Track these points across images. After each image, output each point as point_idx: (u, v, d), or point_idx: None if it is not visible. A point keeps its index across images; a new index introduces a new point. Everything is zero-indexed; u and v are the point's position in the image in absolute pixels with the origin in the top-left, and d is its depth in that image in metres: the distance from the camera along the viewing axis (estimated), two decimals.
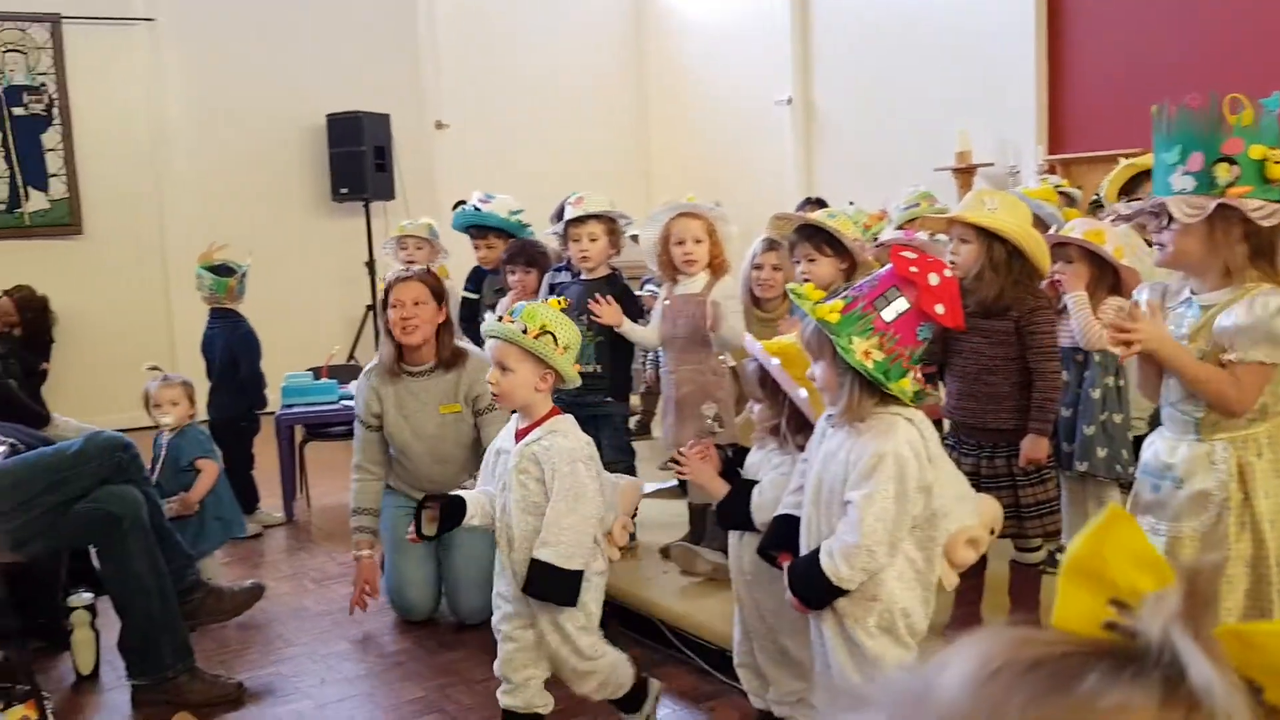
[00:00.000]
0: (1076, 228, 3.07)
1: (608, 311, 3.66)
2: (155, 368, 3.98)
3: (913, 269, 2.02)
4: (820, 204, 5.48)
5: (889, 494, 1.98)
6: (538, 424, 2.57)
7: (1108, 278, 2.99)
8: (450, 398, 3.57)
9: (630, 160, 9.05)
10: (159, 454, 3.82)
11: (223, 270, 4.75)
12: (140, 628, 3.05)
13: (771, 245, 3.55)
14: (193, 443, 3.88)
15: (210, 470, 3.84)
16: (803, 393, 2.22)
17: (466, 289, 4.61)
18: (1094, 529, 0.47)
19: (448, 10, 8.22)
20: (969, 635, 0.45)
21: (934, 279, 2.02)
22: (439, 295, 3.55)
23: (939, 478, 2.08)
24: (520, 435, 2.58)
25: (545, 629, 2.57)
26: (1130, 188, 3.71)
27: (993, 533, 2.28)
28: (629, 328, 3.71)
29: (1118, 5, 6.32)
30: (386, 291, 3.53)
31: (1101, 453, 3.18)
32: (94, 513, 3.03)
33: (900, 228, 3.93)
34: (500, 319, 2.50)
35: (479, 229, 4.53)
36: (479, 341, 4.41)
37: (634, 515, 2.89)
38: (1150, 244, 2.25)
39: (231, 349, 4.73)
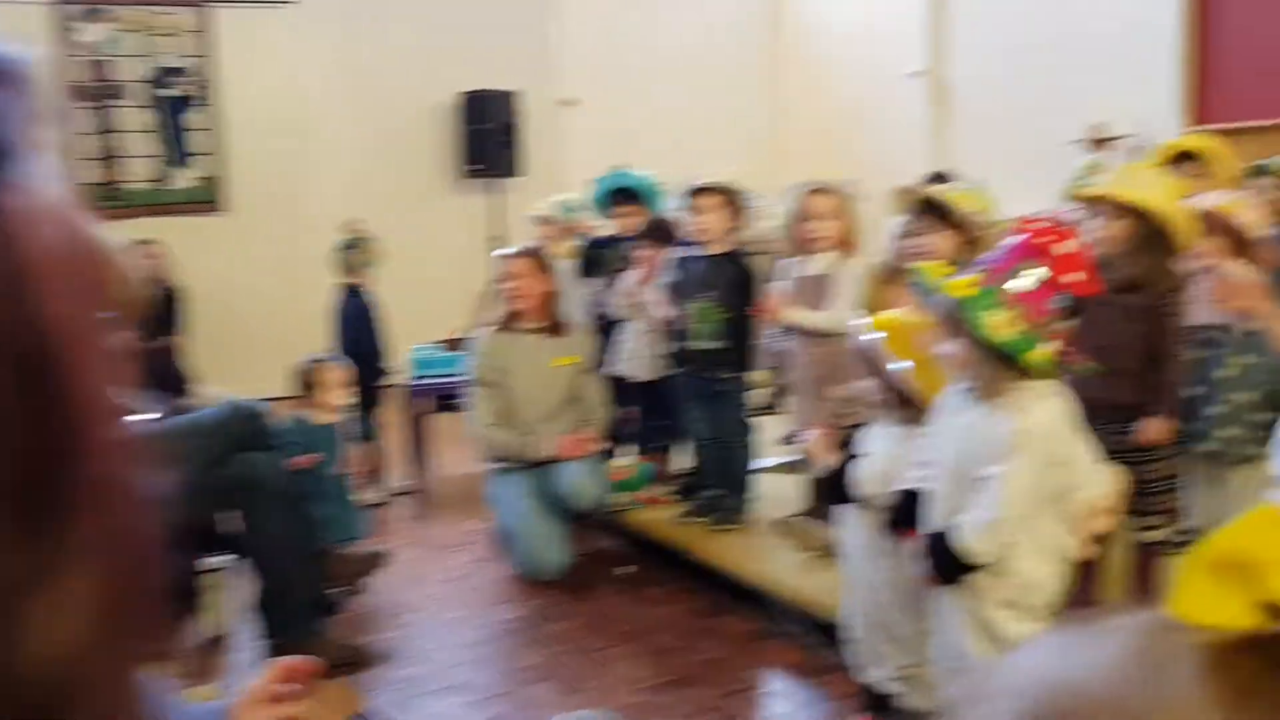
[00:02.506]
0: (1212, 199, 2.95)
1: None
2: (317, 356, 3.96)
3: (1042, 239, 1.96)
4: (946, 178, 5.34)
5: (1030, 469, 1.95)
6: None
7: (1243, 250, 2.88)
8: (563, 352, 4.05)
9: (762, 135, 8.97)
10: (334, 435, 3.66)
11: (351, 245, 4.92)
12: (276, 589, 3.17)
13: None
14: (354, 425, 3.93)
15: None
16: (903, 366, 2.20)
17: (596, 243, 4.65)
18: (1247, 525, 0.45)
19: None
20: (1097, 619, 0.44)
21: (1065, 248, 1.96)
22: (544, 269, 4.09)
23: (1077, 449, 2.03)
24: None
25: None
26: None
27: None
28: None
29: None
30: (499, 265, 4.17)
31: (1230, 432, 3.06)
32: (234, 478, 3.18)
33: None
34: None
35: (623, 194, 4.55)
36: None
37: None
38: None
39: (351, 321, 4.90)
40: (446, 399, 5.17)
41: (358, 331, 4.88)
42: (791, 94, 9.05)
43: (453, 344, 5.20)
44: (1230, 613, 0.42)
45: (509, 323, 4.08)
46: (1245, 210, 2.92)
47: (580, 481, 3.84)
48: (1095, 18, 6.62)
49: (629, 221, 4.51)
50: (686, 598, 3.58)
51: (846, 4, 8.49)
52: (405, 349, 5.18)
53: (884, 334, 2.28)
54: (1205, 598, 0.43)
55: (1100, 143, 6.13)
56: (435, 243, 7.71)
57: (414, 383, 5.01)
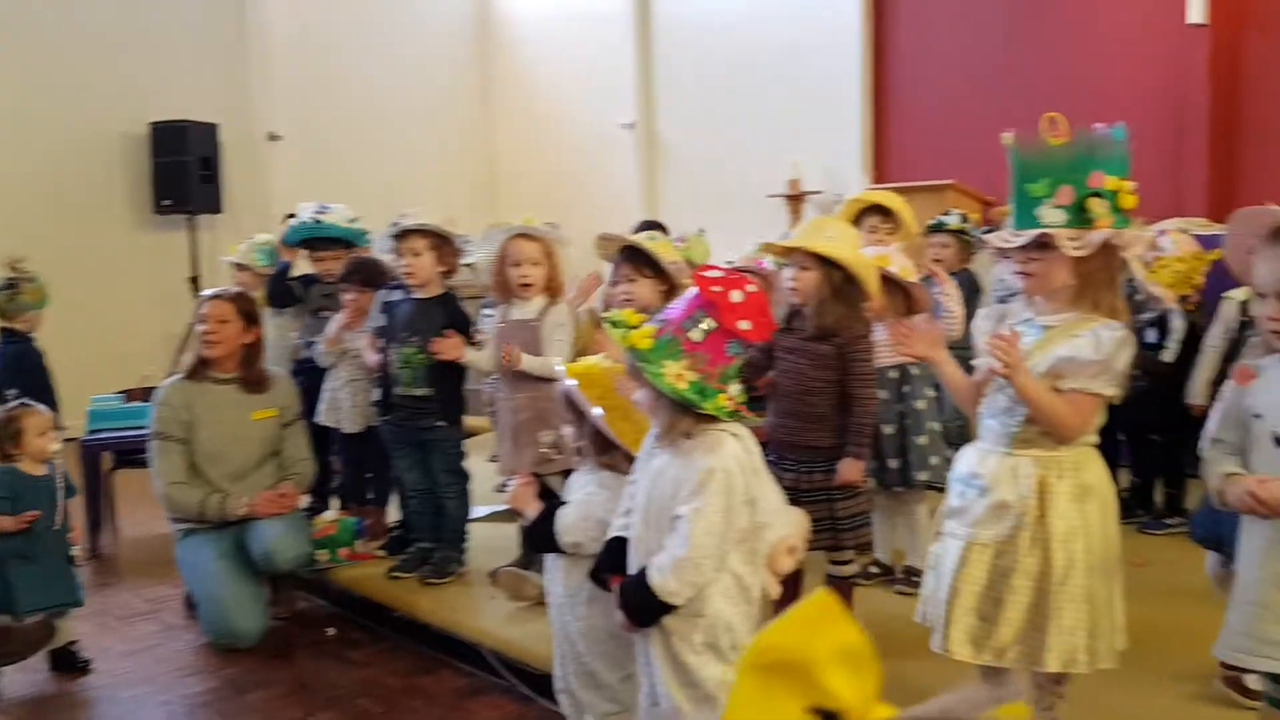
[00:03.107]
0: (868, 253, 3.19)
1: (447, 346, 3.56)
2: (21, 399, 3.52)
3: (715, 289, 2.02)
4: (657, 226, 5.50)
5: (717, 508, 1.99)
6: None
7: (898, 297, 3.16)
8: (264, 405, 3.80)
9: (476, 177, 8.95)
10: (51, 485, 3.35)
11: (8, 285, 4.46)
12: None
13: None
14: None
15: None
16: (598, 412, 2.21)
17: (294, 278, 4.43)
18: (797, 619, 0.41)
19: (280, 18, 7.97)
20: None
21: (736, 296, 2.02)
22: (248, 317, 3.77)
23: (762, 490, 2.09)
24: None
25: None
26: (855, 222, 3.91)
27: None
28: (473, 356, 3.62)
29: (935, 45, 6.66)
30: (199, 306, 3.82)
31: (934, 460, 3.31)
32: None
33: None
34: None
35: (319, 240, 4.35)
36: None
37: None
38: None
39: (10, 370, 4.44)
40: (130, 454, 4.78)
41: (19, 381, 4.39)
42: (508, 138, 9.10)
43: (139, 394, 4.81)
44: (779, 717, 0.39)
45: (201, 371, 3.78)
46: (895, 260, 3.18)
47: (278, 541, 3.60)
48: (789, 80, 7.10)
49: (328, 265, 4.36)
50: (394, 657, 3.43)
51: (561, 53, 8.65)
52: (84, 400, 4.75)
53: (579, 380, 2.29)
54: (757, 703, 0.39)
55: (795, 198, 6.55)
56: (122, 283, 7.16)
57: (91, 437, 4.59)
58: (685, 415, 2.01)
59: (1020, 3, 6.39)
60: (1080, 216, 2.02)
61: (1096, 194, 2.01)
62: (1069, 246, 2.03)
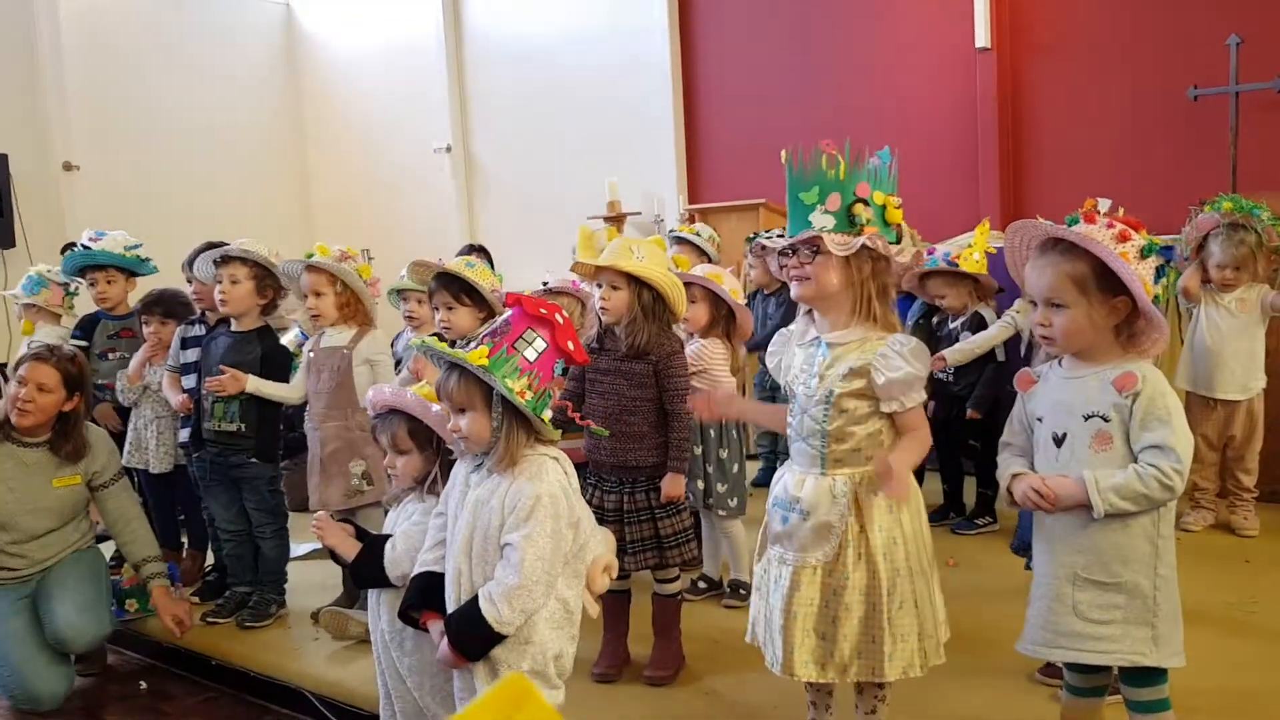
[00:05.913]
0: (699, 269, 3.26)
1: (226, 381, 3.46)
2: None
3: (543, 310, 2.04)
4: (479, 251, 5.49)
5: (546, 533, 1.98)
6: None
7: (723, 316, 3.25)
8: (70, 471, 3.43)
9: (290, 205, 8.69)
10: None
11: None
12: None
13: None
14: None
15: None
16: None
17: (75, 336, 4.22)
18: (491, 704, 0.39)
19: (75, 42, 7.55)
20: None
21: (560, 318, 2.05)
22: (72, 384, 3.37)
23: (583, 510, 2.11)
24: None
25: None
26: None
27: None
28: (258, 385, 3.52)
29: (740, 70, 6.93)
30: (19, 363, 3.39)
31: (718, 485, 3.39)
32: None
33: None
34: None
35: (95, 268, 4.22)
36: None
37: None
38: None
39: None
40: None
41: None
42: (322, 164, 8.89)
43: None
44: None
45: (5, 430, 3.37)
46: (727, 280, 3.26)
47: (73, 625, 3.30)
48: (603, 103, 7.22)
49: (109, 291, 4.22)
50: (214, 708, 3.28)
51: (373, 78, 8.51)
52: None
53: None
54: None
55: (614, 219, 6.64)
56: None
57: None
58: (522, 436, 2.01)
59: (819, 29, 6.66)
60: (848, 222, 2.12)
61: (864, 201, 2.11)
62: (836, 247, 2.12)
